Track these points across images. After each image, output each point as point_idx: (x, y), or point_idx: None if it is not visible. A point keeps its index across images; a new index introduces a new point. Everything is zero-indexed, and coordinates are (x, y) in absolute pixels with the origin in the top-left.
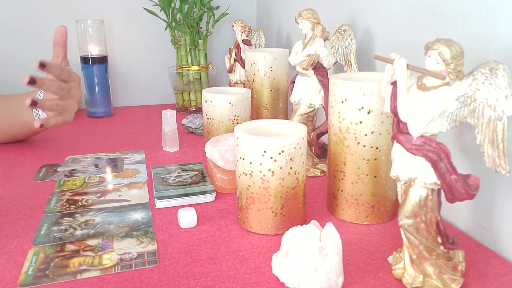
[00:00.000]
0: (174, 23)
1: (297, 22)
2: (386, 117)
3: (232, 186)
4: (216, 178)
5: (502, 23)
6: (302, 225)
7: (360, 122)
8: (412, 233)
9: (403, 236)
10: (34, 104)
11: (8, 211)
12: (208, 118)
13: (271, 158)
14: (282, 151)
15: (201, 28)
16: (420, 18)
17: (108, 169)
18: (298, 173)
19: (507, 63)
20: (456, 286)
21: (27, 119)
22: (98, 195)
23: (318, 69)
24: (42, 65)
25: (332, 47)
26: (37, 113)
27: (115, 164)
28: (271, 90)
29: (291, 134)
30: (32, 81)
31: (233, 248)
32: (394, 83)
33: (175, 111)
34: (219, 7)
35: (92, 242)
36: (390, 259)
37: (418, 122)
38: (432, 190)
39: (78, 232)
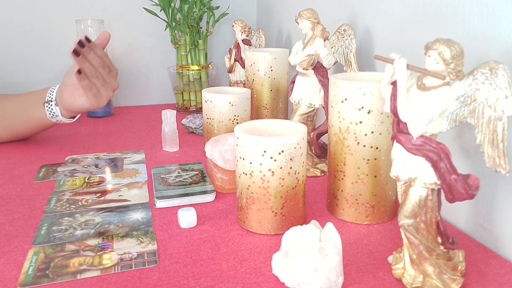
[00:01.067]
0: (174, 23)
1: (297, 22)
2: (386, 117)
3: (232, 186)
4: (216, 178)
5: (502, 23)
6: (302, 225)
7: (360, 122)
8: (412, 233)
9: (403, 236)
10: (77, 53)
11: (8, 211)
12: (208, 118)
13: (271, 158)
14: (282, 151)
15: (201, 28)
16: (420, 18)
17: (108, 169)
18: (298, 173)
19: (507, 63)
20: (456, 286)
21: (37, 114)
22: (98, 195)
23: (318, 69)
24: (88, 39)
25: (332, 47)
26: (49, 108)
27: (115, 164)
28: (271, 90)
29: (291, 134)
30: (81, 45)
31: (233, 248)
32: (394, 83)
33: (175, 111)
34: (219, 7)
35: (92, 242)
36: (390, 259)
37: (418, 122)
38: (432, 190)
39: (78, 232)
